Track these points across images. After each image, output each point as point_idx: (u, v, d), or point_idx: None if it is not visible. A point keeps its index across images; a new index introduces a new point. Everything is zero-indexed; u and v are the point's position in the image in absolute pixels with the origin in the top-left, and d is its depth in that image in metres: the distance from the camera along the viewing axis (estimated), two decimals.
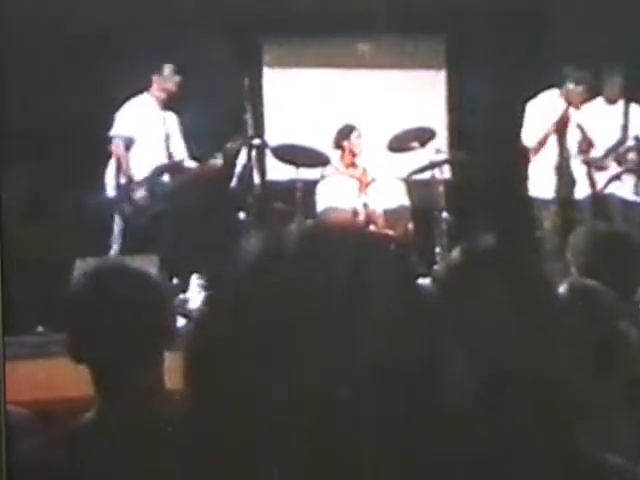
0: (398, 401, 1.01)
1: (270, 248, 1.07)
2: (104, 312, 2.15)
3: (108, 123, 6.41)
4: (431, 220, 6.48)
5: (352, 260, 1.06)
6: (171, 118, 6.63)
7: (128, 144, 6.45)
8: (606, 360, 2.02)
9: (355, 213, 6.42)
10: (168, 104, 6.60)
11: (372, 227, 6.34)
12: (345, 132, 6.74)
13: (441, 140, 7.00)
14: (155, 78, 6.56)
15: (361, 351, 1.01)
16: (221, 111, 6.58)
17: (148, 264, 4.85)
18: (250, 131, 6.57)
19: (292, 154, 6.50)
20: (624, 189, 6.73)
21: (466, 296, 1.66)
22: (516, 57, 6.58)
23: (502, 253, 1.75)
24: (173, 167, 6.62)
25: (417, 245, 6.38)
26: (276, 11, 6.74)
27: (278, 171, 6.75)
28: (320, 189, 6.49)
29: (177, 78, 6.57)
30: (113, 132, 6.42)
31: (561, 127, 6.74)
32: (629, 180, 6.75)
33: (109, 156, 6.46)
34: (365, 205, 6.44)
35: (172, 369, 2.06)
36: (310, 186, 6.47)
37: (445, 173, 6.66)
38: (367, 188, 6.50)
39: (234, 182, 6.51)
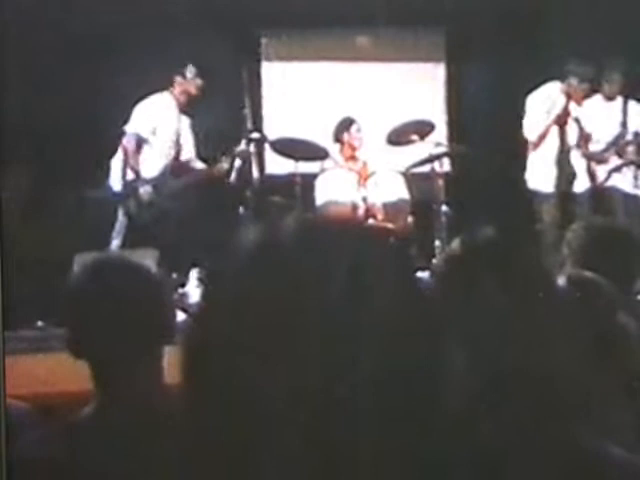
0: (397, 393, 1.01)
1: (267, 241, 1.06)
2: (103, 307, 2.15)
3: (113, 120, 6.40)
4: (431, 213, 6.47)
5: (350, 253, 1.05)
6: (184, 118, 6.61)
7: (140, 142, 6.44)
8: (605, 352, 2.03)
9: (355, 207, 6.41)
10: (186, 106, 6.59)
11: (372, 220, 6.34)
12: (344, 125, 6.73)
13: (441, 133, 7.00)
14: (177, 79, 6.54)
15: (360, 345, 1.01)
16: (229, 111, 6.58)
17: (147, 258, 4.86)
18: (249, 125, 6.56)
19: (291, 148, 6.49)
20: (624, 182, 6.73)
21: (465, 289, 1.66)
22: (516, 50, 6.58)
23: (501, 246, 1.75)
24: (181, 167, 6.61)
25: (417, 238, 6.38)
26: (275, 4, 6.73)
27: (277, 165, 6.75)
28: (319, 183, 6.49)
29: (199, 81, 6.55)
30: (128, 128, 6.41)
31: (561, 121, 6.74)
32: (629, 173, 6.75)
33: (114, 153, 6.46)
34: (364, 199, 6.43)
35: (172, 364, 2.06)
36: (309, 180, 6.47)
37: (445, 166, 6.66)
38: (366, 181, 6.50)
39: (233, 177, 6.51)
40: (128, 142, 6.40)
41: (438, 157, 6.57)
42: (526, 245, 2.03)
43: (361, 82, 7.20)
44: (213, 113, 6.54)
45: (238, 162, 6.47)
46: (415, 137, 6.59)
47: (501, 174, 6.74)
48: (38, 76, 5.99)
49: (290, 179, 6.42)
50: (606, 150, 6.75)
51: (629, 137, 6.75)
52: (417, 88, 7.29)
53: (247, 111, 6.57)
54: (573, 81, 6.66)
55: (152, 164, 6.48)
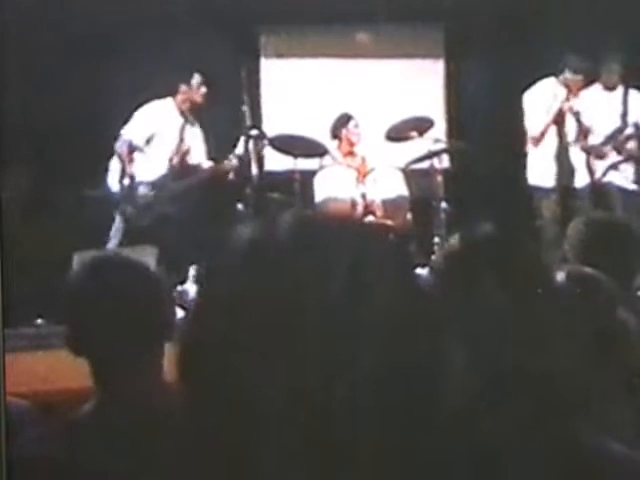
0: (395, 390, 1.01)
1: (265, 238, 1.06)
2: (102, 304, 2.15)
3: (114, 120, 6.39)
4: (430, 210, 6.47)
5: (349, 250, 1.05)
6: (189, 125, 6.59)
7: (132, 149, 6.43)
8: (605, 348, 2.02)
9: (354, 203, 6.41)
10: (190, 112, 6.57)
11: (370, 217, 6.34)
12: (342, 122, 6.72)
13: (440, 129, 7.00)
14: (182, 87, 6.52)
15: (358, 342, 1.01)
16: (228, 108, 6.58)
17: (146, 256, 4.85)
18: (248, 122, 6.55)
19: (290, 144, 6.48)
20: (623, 177, 6.72)
21: (465, 285, 1.66)
22: (515, 46, 6.57)
23: (501, 242, 1.75)
24: (188, 169, 6.60)
25: (416, 235, 6.38)
26: (274, 1, 6.73)
27: (276, 162, 6.74)
28: (318, 179, 6.48)
29: (204, 90, 6.53)
30: (123, 132, 6.40)
31: (560, 116, 6.73)
32: (628, 169, 6.74)
33: (112, 154, 6.45)
34: (363, 195, 6.43)
35: (171, 361, 2.06)
36: (308, 176, 6.46)
37: (444, 162, 6.66)
38: (365, 178, 6.49)
39: (232, 173, 6.51)
40: (120, 147, 6.39)
41: (437, 153, 6.56)
42: (525, 241, 2.03)
43: (360, 78, 7.19)
44: (212, 111, 6.54)
45: (241, 158, 6.46)
46: (414, 133, 6.58)
47: (500, 170, 6.73)
48: (38, 76, 5.99)
49: (289, 176, 6.41)
50: (605, 144, 6.74)
51: (629, 130, 6.74)
52: (416, 84, 7.28)
53: (246, 108, 6.56)
54: (572, 74, 6.66)
55: (150, 168, 6.46)
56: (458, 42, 7.27)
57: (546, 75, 6.72)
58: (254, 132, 6.55)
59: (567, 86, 6.69)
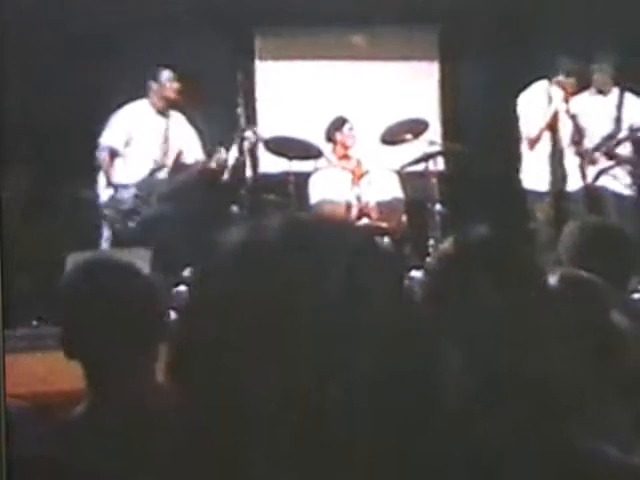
0: (389, 392, 1.01)
1: (259, 240, 1.06)
2: (95, 307, 2.15)
3: (101, 127, 6.39)
4: (425, 212, 6.47)
5: (343, 252, 1.05)
6: (173, 119, 6.57)
7: (113, 154, 6.41)
8: (599, 351, 2.02)
9: (348, 205, 6.40)
10: (167, 109, 6.54)
11: (365, 219, 6.34)
12: (337, 125, 6.72)
13: (435, 132, 7.00)
14: (153, 85, 6.48)
15: (352, 344, 1.01)
16: (222, 110, 6.57)
17: (140, 258, 4.85)
18: (242, 123, 6.55)
19: (284, 146, 6.48)
20: (616, 182, 6.73)
21: (459, 288, 1.66)
22: (510, 48, 6.58)
23: (495, 245, 1.75)
24: (179, 167, 6.58)
25: (411, 237, 6.38)
26: (269, 3, 6.73)
27: (271, 164, 6.74)
28: (313, 182, 6.48)
29: (176, 85, 6.49)
30: (101, 140, 6.39)
31: (554, 119, 6.74)
32: (621, 173, 6.75)
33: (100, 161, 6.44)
34: (358, 197, 6.43)
35: (165, 362, 2.05)
36: (303, 179, 6.46)
37: (439, 165, 6.66)
38: (360, 180, 6.49)
39: (226, 175, 6.50)
40: (101, 154, 6.38)
41: (432, 156, 6.56)
42: (520, 244, 2.02)
43: (355, 81, 7.19)
44: (207, 112, 6.53)
45: (233, 156, 6.44)
46: (409, 136, 6.58)
47: (495, 172, 6.73)
48: (38, 76, 5.99)
49: (284, 178, 6.41)
50: (599, 148, 6.74)
51: (623, 134, 6.74)
52: (411, 87, 7.28)
53: (241, 110, 6.55)
54: (567, 76, 6.66)
55: (134, 172, 6.43)
56: (453, 44, 7.27)
57: (541, 77, 6.72)
58: (249, 134, 6.54)
59: (564, 88, 6.69)
